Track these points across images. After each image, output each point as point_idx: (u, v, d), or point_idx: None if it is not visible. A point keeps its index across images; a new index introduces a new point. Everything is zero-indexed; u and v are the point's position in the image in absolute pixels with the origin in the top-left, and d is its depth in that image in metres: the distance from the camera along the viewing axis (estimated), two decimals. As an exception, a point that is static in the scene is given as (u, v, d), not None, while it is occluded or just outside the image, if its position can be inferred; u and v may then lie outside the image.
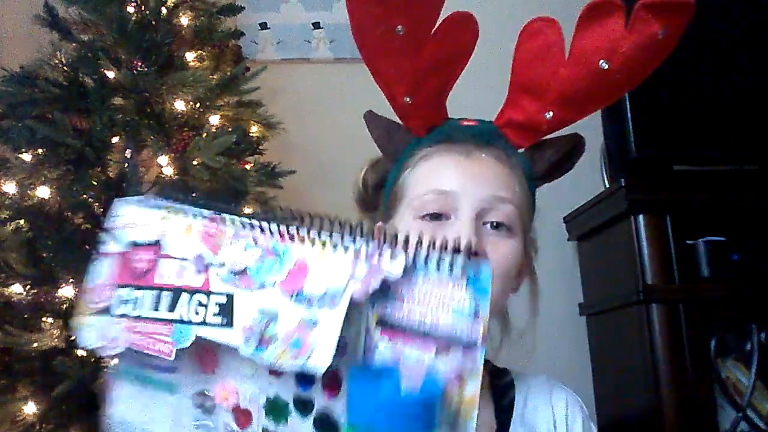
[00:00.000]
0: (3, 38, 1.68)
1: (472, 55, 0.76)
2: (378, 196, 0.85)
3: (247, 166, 1.45)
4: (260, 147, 1.55)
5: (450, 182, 0.73)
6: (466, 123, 0.80)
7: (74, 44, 1.37)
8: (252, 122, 1.55)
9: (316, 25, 1.97)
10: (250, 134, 1.54)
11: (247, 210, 1.48)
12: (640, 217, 1.47)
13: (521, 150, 0.81)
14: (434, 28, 0.72)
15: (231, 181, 1.37)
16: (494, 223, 0.72)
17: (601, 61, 0.68)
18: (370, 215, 0.88)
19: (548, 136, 0.80)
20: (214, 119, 1.44)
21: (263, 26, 1.96)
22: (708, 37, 1.55)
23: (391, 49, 0.70)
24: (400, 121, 0.82)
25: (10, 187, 1.27)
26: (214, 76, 1.44)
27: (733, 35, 1.61)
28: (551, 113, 0.74)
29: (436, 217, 0.73)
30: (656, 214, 1.47)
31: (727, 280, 1.44)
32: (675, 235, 1.46)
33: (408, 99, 0.75)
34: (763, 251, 1.47)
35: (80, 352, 1.19)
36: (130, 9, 1.37)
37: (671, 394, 1.39)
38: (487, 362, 0.82)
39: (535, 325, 0.87)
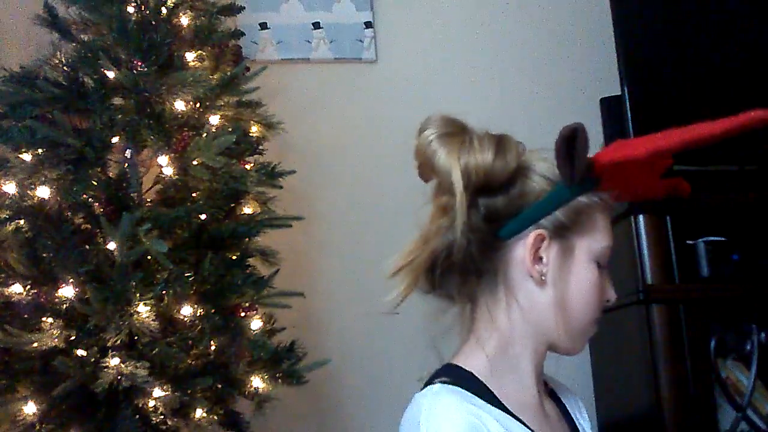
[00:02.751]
0: (3, 38, 1.68)
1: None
2: (496, 182, 0.83)
3: (247, 166, 1.45)
4: (260, 147, 1.55)
5: (612, 243, 0.88)
6: None
7: (74, 44, 1.37)
8: (252, 122, 1.55)
9: (316, 25, 1.97)
10: (250, 134, 1.54)
11: (247, 210, 1.48)
12: (640, 217, 1.47)
13: None
14: None
15: (231, 181, 1.37)
16: None
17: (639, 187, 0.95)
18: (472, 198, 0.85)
19: None
20: (214, 119, 1.44)
21: (263, 26, 1.96)
22: (708, 37, 1.55)
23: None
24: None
25: (10, 187, 1.27)
26: (214, 76, 1.44)
27: (733, 34, 1.61)
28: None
29: (600, 267, 0.86)
30: (656, 214, 1.47)
31: (727, 280, 1.44)
32: (675, 235, 1.46)
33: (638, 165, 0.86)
34: (763, 251, 1.47)
35: (80, 352, 1.20)
36: (130, 9, 1.37)
37: (671, 394, 1.39)
38: None
39: None
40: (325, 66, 1.97)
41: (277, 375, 1.38)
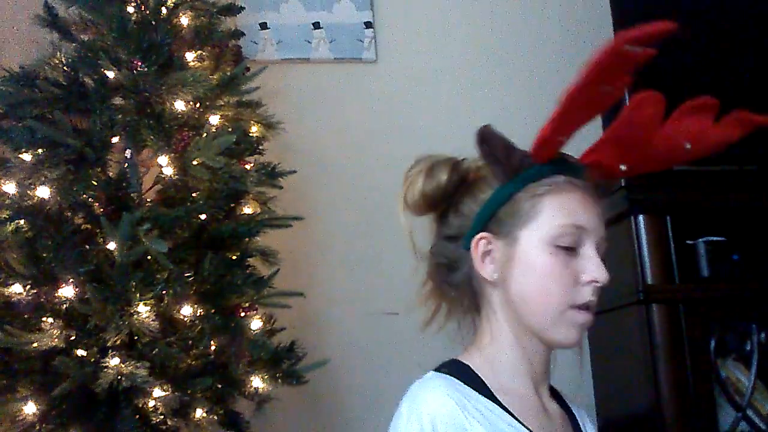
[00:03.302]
0: (3, 38, 1.68)
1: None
2: (437, 202, 0.90)
3: (247, 166, 1.45)
4: (260, 147, 1.55)
5: (584, 220, 0.85)
6: (572, 160, 0.89)
7: (74, 44, 1.37)
8: (252, 122, 1.55)
9: (316, 25, 1.97)
10: (250, 134, 1.54)
11: (247, 210, 1.48)
12: (640, 217, 1.47)
13: None
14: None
15: (231, 181, 1.37)
16: None
17: (686, 142, 0.87)
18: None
19: None
20: (214, 119, 1.44)
21: (263, 26, 1.96)
22: (708, 37, 1.55)
23: (601, 107, 0.84)
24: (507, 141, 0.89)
25: (10, 187, 1.26)
26: (214, 76, 1.44)
27: (734, 34, 1.61)
28: (625, 166, 0.90)
29: (567, 249, 0.84)
30: (656, 214, 1.47)
31: (727, 280, 1.44)
32: (675, 235, 1.46)
33: (563, 138, 0.85)
34: (763, 251, 1.47)
35: (80, 352, 1.19)
36: (130, 9, 1.37)
37: (671, 394, 1.39)
38: None
39: None
40: (325, 66, 1.97)
41: (277, 375, 1.38)
